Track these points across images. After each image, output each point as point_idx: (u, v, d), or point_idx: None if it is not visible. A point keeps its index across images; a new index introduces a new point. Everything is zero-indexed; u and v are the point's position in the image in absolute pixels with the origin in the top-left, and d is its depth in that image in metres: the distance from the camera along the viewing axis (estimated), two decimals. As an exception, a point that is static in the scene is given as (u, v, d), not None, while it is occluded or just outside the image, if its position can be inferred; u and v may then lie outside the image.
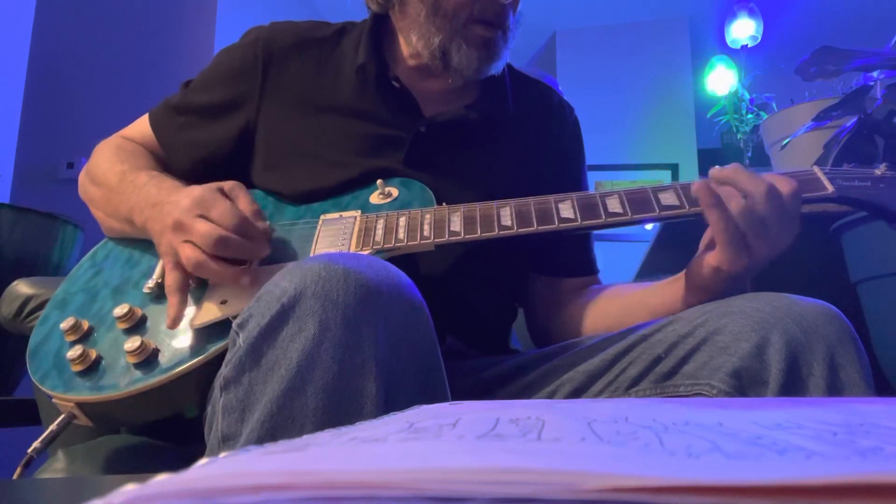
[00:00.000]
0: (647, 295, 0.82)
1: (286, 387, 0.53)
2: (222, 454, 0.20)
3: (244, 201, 0.73)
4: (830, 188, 0.69)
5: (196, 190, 0.72)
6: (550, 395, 0.74)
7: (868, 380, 0.62)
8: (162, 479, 0.16)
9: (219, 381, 0.59)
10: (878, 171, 0.70)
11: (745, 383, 0.63)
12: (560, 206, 0.73)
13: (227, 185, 0.75)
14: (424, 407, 0.33)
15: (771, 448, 0.18)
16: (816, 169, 0.71)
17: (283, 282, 0.57)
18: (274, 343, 0.55)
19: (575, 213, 0.72)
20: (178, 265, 0.70)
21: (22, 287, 0.98)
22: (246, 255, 0.70)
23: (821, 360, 0.61)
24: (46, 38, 2.39)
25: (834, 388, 0.61)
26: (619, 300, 0.86)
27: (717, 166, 0.70)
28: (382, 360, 0.55)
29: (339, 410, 0.53)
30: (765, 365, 0.63)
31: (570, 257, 0.94)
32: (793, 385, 0.61)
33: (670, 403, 0.33)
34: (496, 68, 0.86)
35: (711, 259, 0.69)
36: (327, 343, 0.53)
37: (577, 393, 0.73)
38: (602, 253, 0.99)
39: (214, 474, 0.16)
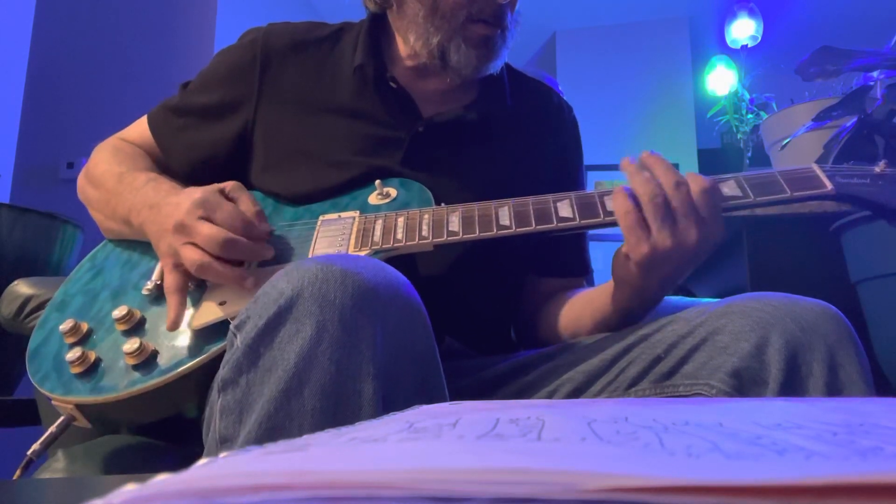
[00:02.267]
0: (593, 294, 0.83)
1: (284, 388, 0.53)
2: (222, 454, 0.20)
3: (246, 202, 0.73)
4: (829, 186, 0.69)
5: (197, 192, 0.72)
6: (550, 395, 0.74)
7: (868, 380, 0.62)
8: (162, 479, 0.16)
9: (217, 382, 0.59)
10: (877, 169, 0.70)
11: (744, 383, 0.63)
12: (558, 205, 0.73)
13: (228, 185, 0.75)
14: (424, 407, 0.33)
15: (771, 448, 0.18)
16: (815, 166, 0.71)
17: (280, 283, 0.57)
18: (271, 344, 0.55)
19: (573, 212, 0.72)
20: (178, 266, 0.70)
21: (22, 287, 0.98)
22: (250, 256, 0.70)
23: (820, 360, 0.61)
24: (46, 38, 2.39)
25: (834, 388, 0.61)
26: (576, 301, 0.87)
27: (647, 151, 0.71)
28: (380, 361, 0.55)
29: (337, 411, 0.53)
30: (764, 365, 0.63)
31: (557, 257, 0.94)
32: (792, 385, 0.61)
33: (670, 403, 0.33)
34: (494, 67, 0.86)
35: (623, 246, 0.70)
36: (325, 344, 0.53)
37: (576, 393, 0.73)
38: (602, 253, 0.99)
39: (214, 474, 0.16)
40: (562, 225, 0.72)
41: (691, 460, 0.17)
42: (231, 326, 0.60)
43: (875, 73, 1.22)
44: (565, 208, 0.73)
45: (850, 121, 1.11)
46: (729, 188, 0.70)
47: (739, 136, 2.60)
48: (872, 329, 1.18)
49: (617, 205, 0.68)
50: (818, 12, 4.06)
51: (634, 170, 0.68)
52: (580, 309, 0.85)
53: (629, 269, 0.71)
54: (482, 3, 0.81)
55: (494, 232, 0.72)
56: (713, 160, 3.97)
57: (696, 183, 0.67)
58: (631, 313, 0.77)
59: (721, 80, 3.54)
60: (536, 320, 0.92)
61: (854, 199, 0.69)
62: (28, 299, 0.96)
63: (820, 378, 0.61)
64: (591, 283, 1.00)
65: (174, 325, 0.69)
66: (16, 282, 1.00)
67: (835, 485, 0.14)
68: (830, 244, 1.25)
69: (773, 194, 0.69)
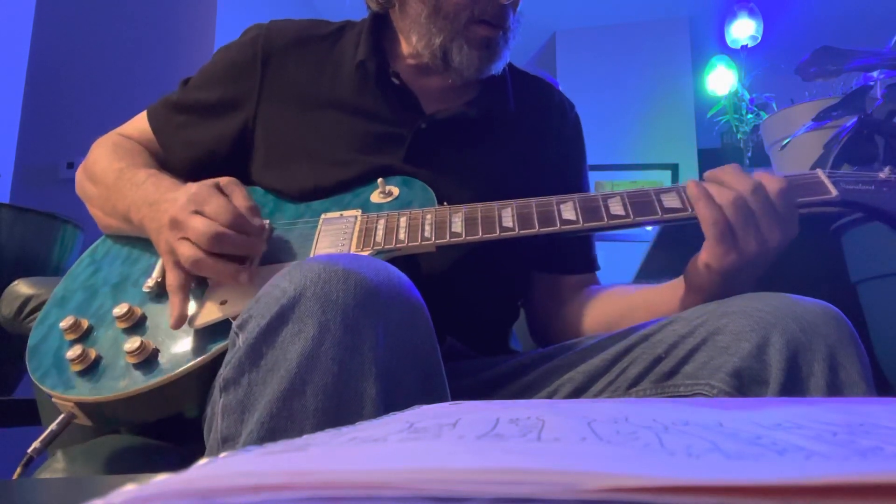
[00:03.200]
0: (649, 296, 0.82)
1: (285, 388, 0.53)
2: (222, 454, 0.20)
3: (240, 197, 0.72)
4: (834, 192, 0.69)
5: (192, 187, 0.72)
6: (550, 395, 0.74)
7: (868, 380, 0.62)
8: (162, 479, 0.16)
9: (218, 382, 0.59)
10: (881, 175, 0.70)
11: (745, 383, 0.63)
12: (562, 207, 0.73)
13: (224, 180, 0.74)
14: (424, 407, 0.33)
15: (771, 448, 0.18)
16: (820, 172, 0.71)
17: (282, 283, 0.57)
18: (273, 344, 0.55)
19: (577, 214, 0.72)
20: (178, 264, 0.70)
21: (22, 287, 0.98)
22: (242, 250, 0.70)
23: (821, 360, 0.61)
24: (46, 38, 2.39)
25: (834, 388, 0.61)
26: (621, 300, 0.86)
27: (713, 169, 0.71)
28: (382, 362, 0.55)
29: (339, 412, 0.53)
30: (765, 365, 0.63)
31: (569, 254, 0.94)
32: (793, 385, 0.61)
33: (670, 403, 0.33)
34: (496, 68, 0.86)
35: (703, 256, 0.70)
36: (327, 344, 0.53)
37: (577, 393, 0.73)
38: (602, 253, 0.99)
39: (214, 474, 0.16)
40: (565, 227, 0.72)
41: (691, 460, 0.17)
42: (233, 326, 0.60)
43: (875, 73, 1.22)
44: (569, 211, 0.73)
45: (850, 121, 1.11)
46: None
47: (739, 136, 2.60)
48: (872, 329, 1.17)
49: (703, 214, 0.67)
50: (818, 12, 4.05)
51: (707, 187, 0.68)
52: (630, 310, 0.83)
53: (710, 277, 0.71)
54: (484, 3, 0.81)
55: (497, 234, 0.72)
56: (713, 160, 3.96)
57: (772, 182, 0.67)
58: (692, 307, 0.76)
59: (721, 80, 3.54)
60: (561, 319, 0.91)
61: (858, 205, 0.70)
62: (28, 299, 0.96)
63: (820, 378, 0.61)
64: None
65: (178, 324, 0.68)
66: (16, 282, 1.00)
67: (835, 485, 0.14)
68: (830, 244, 1.25)
69: None
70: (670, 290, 0.78)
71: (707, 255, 0.69)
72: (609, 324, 0.84)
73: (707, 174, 0.71)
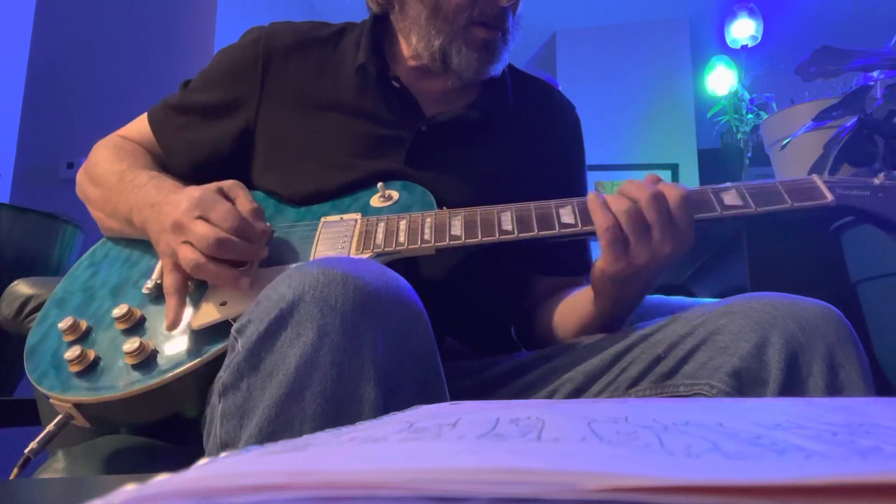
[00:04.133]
0: (576, 298, 0.84)
1: (285, 392, 0.53)
2: (222, 455, 0.20)
3: (244, 201, 0.73)
4: (830, 197, 0.69)
5: (196, 191, 0.72)
6: (550, 395, 0.74)
7: (868, 380, 0.62)
8: (162, 479, 0.16)
9: (217, 386, 0.59)
10: (877, 180, 0.71)
11: (744, 383, 0.63)
12: (561, 211, 0.73)
13: (227, 184, 0.74)
14: (424, 407, 0.33)
15: (771, 448, 0.18)
16: (816, 178, 0.71)
17: (281, 287, 0.57)
18: (272, 349, 0.55)
19: (575, 218, 0.73)
20: (177, 266, 0.70)
21: (22, 287, 0.98)
22: (244, 256, 0.70)
23: (820, 360, 0.61)
24: (46, 38, 2.39)
25: (833, 388, 0.61)
26: (565, 303, 0.87)
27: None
28: (381, 365, 0.55)
29: (338, 416, 0.53)
30: (764, 365, 0.63)
31: (554, 256, 0.93)
32: (792, 385, 0.61)
33: (670, 403, 0.33)
34: (496, 70, 0.86)
35: (598, 261, 0.71)
36: (326, 348, 0.53)
37: (577, 393, 0.73)
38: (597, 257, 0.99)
39: (214, 474, 0.16)
40: (564, 231, 0.72)
41: (691, 460, 0.17)
42: (232, 330, 0.60)
43: (875, 73, 1.22)
44: (568, 214, 0.73)
45: (850, 121, 1.11)
46: (730, 198, 0.71)
47: (739, 136, 2.60)
48: (872, 329, 1.18)
49: (598, 219, 0.68)
50: (818, 12, 4.05)
51: (607, 196, 0.69)
52: (567, 312, 0.86)
53: (604, 281, 0.72)
54: (484, 5, 0.81)
55: (497, 237, 0.72)
56: (713, 160, 3.97)
57: (672, 192, 0.67)
58: (611, 319, 0.78)
59: (721, 80, 3.54)
60: (533, 319, 0.92)
61: (854, 210, 0.70)
62: (28, 299, 0.96)
63: (820, 378, 0.61)
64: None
65: (173, 327, 0.69)
66: (16, 282, 1.00)
67: (834, 485, 0.14)
68: (830, 244, 1.25)
69: (774, 205, 0.70)
70: (588, 293, 0.79)
71: (601, 261, 0.70)
72: (557, 328, 0.86)
73: (620, 185, 0.72)
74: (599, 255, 0.71)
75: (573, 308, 0.84)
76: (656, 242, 0.67)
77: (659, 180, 0.70)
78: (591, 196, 0.70)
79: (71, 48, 2.46)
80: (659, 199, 0.66)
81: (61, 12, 2.45)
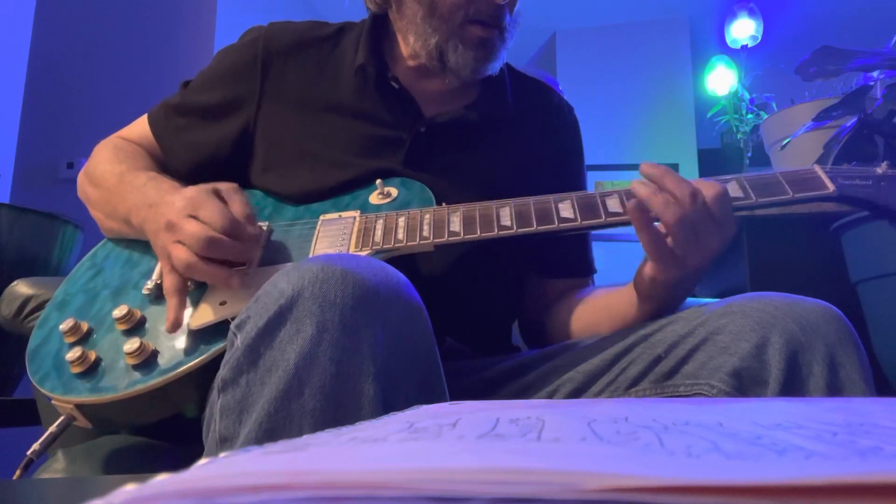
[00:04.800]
0: (610, 300, 0.83)
1: (284, 388, 0.53)
2: (221, 454, 0.20)
3: (237, 204, 0.72)
4: (831, 187, 0.69)
5: (190, 190, 0.72)
6: (550, 395, 0.74)
7: (868, 380, 0.62)
8: (162, 479, 0.16)
9: (217, 382, 0.59)
10: (879, 170, 0.70)
11: (745, 383, 0.63)
12: (560, 205, 0.73)
13: (224, 186, 0.74)
14: (424, 407, 0.33)
15: (771, 448, 0.18)
16: (817, 168, 0.71)
17: (280, 283, 0.57)
18: (272, 344, 0.55)
19: (575, 212, 0.72)
20: (175, 267, 0.70)
21: (22, 287, 0.98)
22: (235, 256, 0.70)
23: (821, 360, 0.61)
24: (46, 38, 2.39)
25: (834, 388, 0.61)
26: (590, 304, 0.86)
27: (646, 162, 0.70)
28: (380, 362, 0.55)
29: (337, 412, 0.53)
30: (765, 365, 0.63)
31: (562, 258, 0.93)
32: (793, 385, 0.61)
33: (670, 403, 0.33)
34: (493, 69, 0.86)
35: (648, 269, 0.71)
36: (325, 344, 0.53)
37: (577, 393, 0.73)
38: (602, 253, 0.99)
39: (214, 474, 0.16)
40: (563, 225, 0.72)
41: (691, 460, 0.17)
42: (231, 326, 0.60)
43: (875, 73, 1.22)
44: (567, 209, 0.73)
45: (850, 121, 1.11)
46: (731, 189, 0.70)
47: (739, 136, 2.60)
48: (872, 329, 1.18)
49: (645, 239, 0.67)
50: (818, 12, 4.05)
51: (650, 193, 0.67)
52: (594, 314, 0.84)
53: (656, 288, 0.72)
54: (479, 3, 0.81)
55: (496, 232, 0.72)
56: (713, 160, 3.97)
57: (710, 190, 0.67)
58: (651, 317, 0.77)
59: (721, 80, 3.54)
60: (546, 323, 0.91)
61: (855, 200, 0.69)
62: (28, 299, 0.96)
63: (820, 378, 0.61)
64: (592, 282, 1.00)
65: (174, 327, 0.69)
66: (16, 282, 1.00)
67: (834, 485, 0.14)
68: (830, 244, 1.25)
69: (775, 195, 0.69)
70: (628, 295, 0.78)
71: (650, 269, 0.70)
72: (582, 330, 0.85)
73: (647, 170, 0.69)
74: (644, 261, 0.70)
75: (605, 309, 0.83)
76: (703, 244, 0.67)
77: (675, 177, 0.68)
78: (632, 208, 0.67)
79: (71, 48, 2.46)
80: (699, 199, 0.66)
81: (61, 12, 2.45)
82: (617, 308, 0.80)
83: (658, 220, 0.67)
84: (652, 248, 0.67)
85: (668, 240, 0.67)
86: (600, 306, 0.84)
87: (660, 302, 0.74)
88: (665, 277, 0.69)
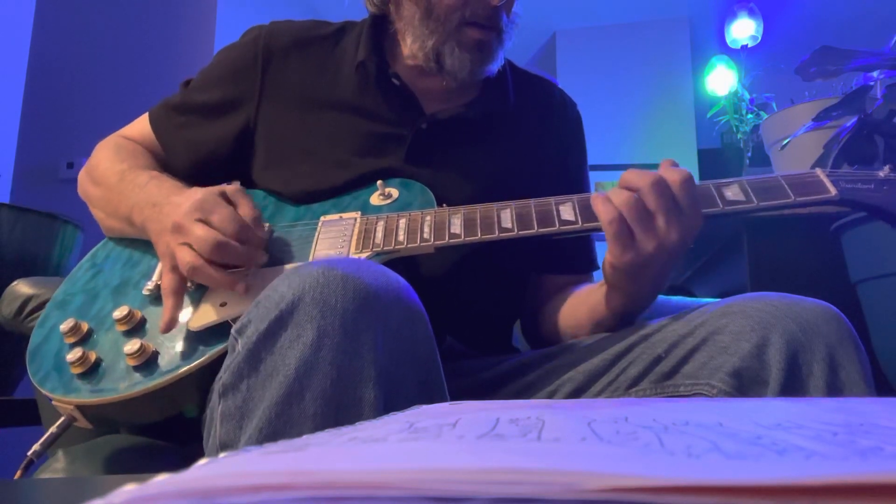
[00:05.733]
0: (590, 293, 0.84)
1: (284, 393, 0.53)
2: (221, 455, 0.20)
3: (245, 206, 0.72)
4: (833, 191, 0.68)
5: (198, 193, 0.72)
6: (550, 395, 0.74)
7: (868, 380, 0.62)
8: (162, 479, 0.16)
9: (217, 386, 0.59)
10: (881, 174, 0.70)
11: (745, 383, 0.63)
12: (560, 208, 0.73)
13: (230, 188, 0.74)
14: (424, 407, 0.33)
15: (771, 448, 0.18)
16: (819, 171, 0.71)
17: (281, 287, 0.57)
18: (272, 349, 0.55)
19: (576, 215, 0.72)
20: (176, 268, 0.70)
21: (22, 287, 0.98)
22: (243, 261, 0.70)
23: (821, 360, 0.61)
24: (46, 38, 2.39)
25: (834, 388, 0.61)
26: (575, 298, 0.87)
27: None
28: (381, 366, 0.55)
29: (338, 416, 0.53)
30: (765, 365, 0.63)
31: (561, 254, 0.93)
32: (793, 385, 0.61)
33: (670, 403, 0.33)
34: (490, 70, 0.86)
35: (606, 254, 0.70)
36: (326, 349, 0.53)
37: (577, 393, 0.73)
38: (602, 253, 0.99)
39: (214, 474, 0.16)
40: (564, 228, 0.72)
41: (691, 460, 0.17)
42: (232, 331, 0.60)
43: (875, 73, 1.22)
44: (567, 211, 0.73)
45: (850, 121, 1.11)
46: (732, 192, 0.70)
47: (739, 136, 2.60)
48: (872, 329, 1.18)
49: (600, 213, 0.67)
50: (818, 12, 4.05)
51: (609, 191, 0.69)
52: (576, 309, 0.85)
53: (617, 276, 0.71)
54: (476, 5, 0.81)
55: (496, 234, 0.72)
56: (713, 160, 3.97)
57: (673, 175, 0.66)
58: (626, 314, 0.77)
59: (721, 80, 3.54)
60: (539, 317, 0.92)
61: (858, 204, 0.69)
62: (28, 299, 0.96)
63: (820, 378, 0.61)
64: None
65: (168, 328, 0.69)
66: (16, 282, 1.00)
67: (834, 485, 0.14)
68: (830, 244, 1.25)
69: (777, 199, 0.69)
70: (601, 288, 0.79)
71: (608, 254, 0.70)
72: (567, 326, 0.86)
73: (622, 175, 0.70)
74: (607, 249, 0.70)
75: (585, 303, 0.83)
76: (661, 230, 0.66)
77: (673, 164, 0.69)
78: (592, 195, 0.70)
79: (71, 48, 2.46)
80: (660, 185, 0.65)
81: (61, 12, 2.45)
82: (592, 301, 0.81)
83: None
84: (605, 223, 0.67)
85: (624, 222, 0.67)
86: (581, 300, 0.85)
87: (621, 292, 0.74)
88: (622, 262, 0.68)
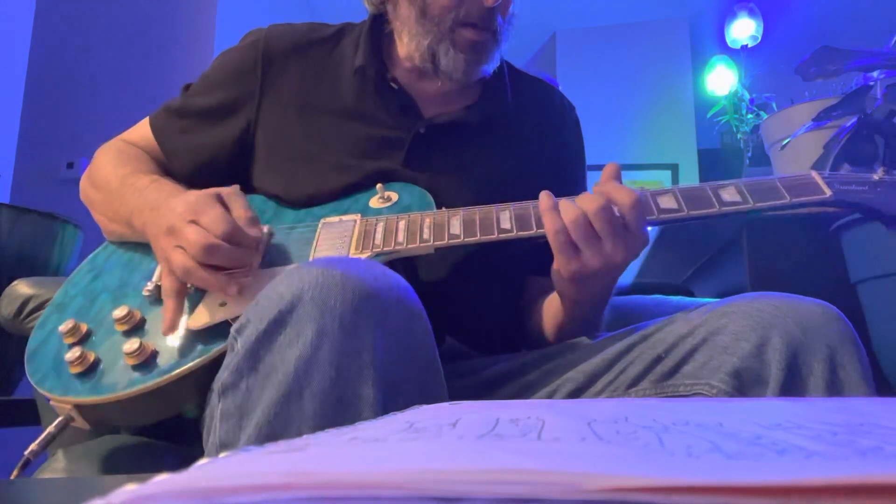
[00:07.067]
0: (549, 302, 0.86)
1: (284, 392, 0.53)
2: (222, 455, 0.20)
3: (239, 208, 0.72)
4: (828, 192, 0.70)
5: (192, 195, 0.71)
6: (550, 395, 0.74)
7: (868, 380, 0.62)
8: (162, 479, 0.16)
9: (217, 386, 0.59)
10: (875, 176, 0.71)
11: (745, 383, 0.63)
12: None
13: (226, 191, 0.74)
14: (424, 407, 0.34)
15: (771, 448, 0.18)
16: (814, 173, 0.71)
17: (280, 287, 0.57)
18: (271, 348, 0.55)
19: None
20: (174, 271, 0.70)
21: (22, 287, 0.98)
22: (235, 263, 0.69)
23: (821, 360, 0.61)
24: (46, 39, 2.39)
25: (834, 388, 0.61)
26: (546, 301, 0.88)
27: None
28: (380, 366, 0.55)
29: (337, 416, 0.53)
30: (765, 365, 0.63)
31: (549, 257, 0.93)
32: (793, 385, 0.61)
33: (670, 403, 0.33)
34: (486, 71, 0.86)
35: (554, 262, 0.72)
36: (325, 348, 0.53)
37: (577, 393, 0.73)
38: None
39: (214, 474, 0.16)
40: None
41: (691, 460, 0.17)
42: (231, 330, 0.60)
43: (875, 73, 1.22)
44: None
45: (850, 121, 1.11)
46: (729, 194, 0.71)
47: (739, 136, 2.60)
48: (872, 329, 1.18)
49: (546, 223, 0.69)
50: (818, 12, 4.05)
51: (560, 201, 0.70)
52: (544, 311, 0.87)
53: (562, 283, 0.74)
54: (470, 6, 0.81)
55: (496, 235, 0.72)
56: (713, 160, 3.97)
57: (623, 198, 0.68)
58: (578, 320, 0.80)
59: (721, 80, 3.54)
60: (524, 319, 0.93)
61: (852, 205, 0.70)
62: (28, 299, 0.96)
63: (820, 378, 0.61)
64: None
65: (169, 330, 0.69)
66: (16, 282, 1.00)
67: (835, 485, 0.14)
68: (830, 244, 1.25)
69: (773, 200, 0.70)
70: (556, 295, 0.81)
71: (555, 262, 0.71)
72: (539, 326, 0.87)
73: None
74: (554, 257, 0.71)
75: (549, 309, 0.86)
76: (607, 251, 0.68)
77: (616, 175, 0.71)
78: (543, 196, 0.71)
79: (71, 48, 2.46)
80: (606, 210, 0.67)
81: (61, 12, 2.45)
82: (553, 308, 0.83)
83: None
84: (551, 235, 0.69)
85: (569, 237, 0.68)
86: (548, 304, 0.87)
87: (569, 299, 0.77)
88: (566, 272, 0.70)
